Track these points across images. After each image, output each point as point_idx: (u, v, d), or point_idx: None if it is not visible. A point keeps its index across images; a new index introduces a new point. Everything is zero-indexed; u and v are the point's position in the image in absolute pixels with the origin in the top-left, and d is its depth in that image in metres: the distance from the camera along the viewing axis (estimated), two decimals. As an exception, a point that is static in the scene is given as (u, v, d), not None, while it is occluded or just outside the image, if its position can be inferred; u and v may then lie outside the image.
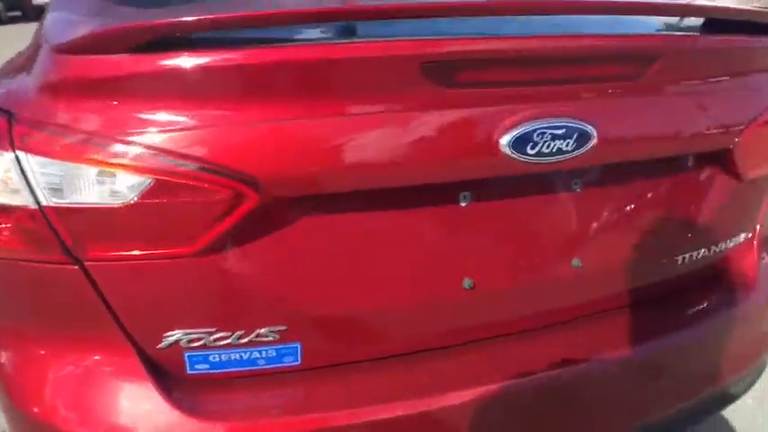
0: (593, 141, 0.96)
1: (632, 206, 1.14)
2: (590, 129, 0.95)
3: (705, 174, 1.19)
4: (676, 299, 1.24)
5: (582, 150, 0.96)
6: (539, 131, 0.92)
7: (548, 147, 0.93)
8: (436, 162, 0.92)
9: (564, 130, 0.94)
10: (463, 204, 1.00)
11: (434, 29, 0.93)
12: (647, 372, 1.17)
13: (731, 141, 1.13)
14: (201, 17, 0.79)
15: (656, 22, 1.15)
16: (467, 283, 1.01)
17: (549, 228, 1.07)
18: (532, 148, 0.93)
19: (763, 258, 1.35)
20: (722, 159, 1.17)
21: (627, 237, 1.14)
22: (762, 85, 1.19)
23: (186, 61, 0.80)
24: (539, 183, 1.03)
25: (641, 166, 1.11)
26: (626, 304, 1.18)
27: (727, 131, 1.12)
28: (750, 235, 1.32)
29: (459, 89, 0.90)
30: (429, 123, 0.90)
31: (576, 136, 0.95)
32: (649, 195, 1.15)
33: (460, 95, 0.90)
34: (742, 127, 1.13)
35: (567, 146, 0.94)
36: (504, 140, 0.91)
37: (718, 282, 1.30)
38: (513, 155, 0.92)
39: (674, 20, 1.16)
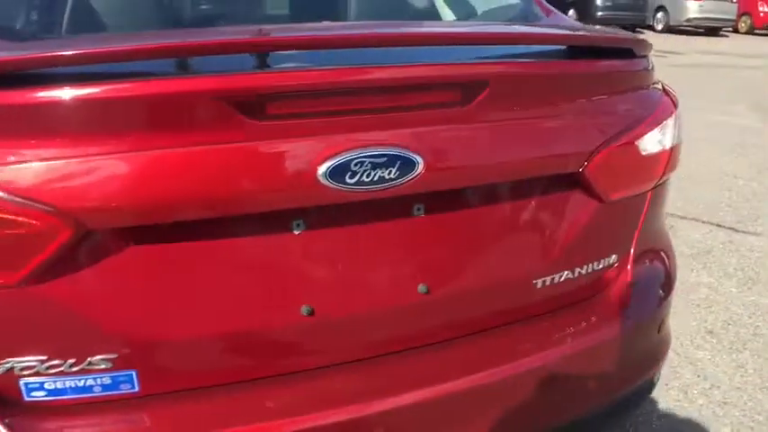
0: (420, 169, 0.98)
1: (485, 230, 1.15)
2: (414, 157, 0.98)
3: (562, 197, 1.20)
4: (540, 323, 1.25)
5: (409, 178, 0.98)
6: (356, 161, 0.95)
7: (368, 176, 0.96)
8: (255, 193, 0.94)
9: (385, 159, 0.96)
10: (297, 232, 1.02)
11: (251, 62, 0.96)
12: (507, 398, 1.18)
13: (579, 165, 1.15)
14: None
15: (486, 49, 1.17)
16: (305, 309, 1.03)
17: (391, 254, 1.09)
18: (351, 177, 0.95)
19: (638, 281, 1.36)
20: (577, 183, 1.18)
21: (479, 262, 1.15)
22: (614, 108, 1.21)
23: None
24: (375, 210, 1.05)
25: (490, 190, 1.13)
26: (483, 329, 1.19)
27: (572, 155, 1.14)
28: (621, 257, 1.33)
29: (273, 121, 0.92)
30: (244, 156, 0.92)
31: (398, 164, 0.97)
32: (503, 219, 1.17)
33: (275, 128, 0.93)
34: (591, 150, 1.15)
35: (390, 174, 0.97)
36: (321, 171, 0.94)
37: (587, 305, 1.31)
38: (331, 185, 0.94)
39: (507, 47, 1.18)
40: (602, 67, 1.18)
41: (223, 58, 0.94)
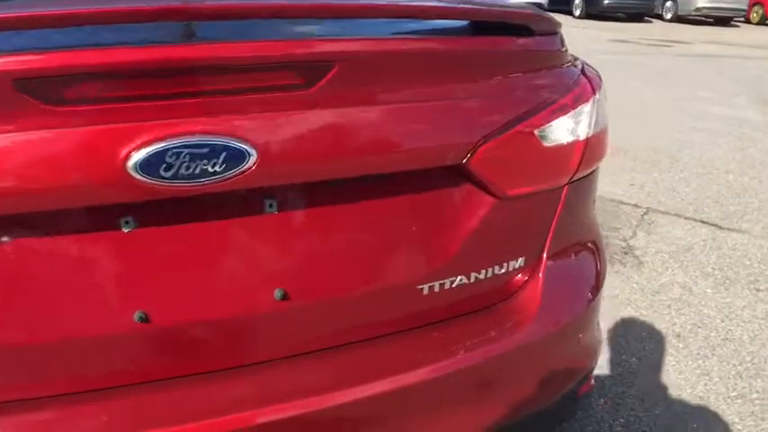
0: (253, 161, 0.85)
1: (354, 230, 1.02)
2: (243, 147, 0.85)
3: (448, 193, 1.07)
4: (431, 333, 1.11)
5: (239, 171, 0.85)
6: (171, 152, 0.82)
7: (187, 168, 0.83)
8: (61, 188, 0.82)
9: (206, 150, 0.83)
10: (126, 230, 0.89)
11: (46, 40, 0.83)
12: (388, 415, 1.05)
13: (460, 157, 1.01)
14: None
15: (340, 25, 1.03)
16: (137, 316, 0.91)
17: (240, 256, 0.96)
18: (167, 170, 0.82)
19: (553, 285, 1.22)
20: (465, 177, 1.04)
21: (348, 265, 1.02)
22: (508, 92, 1.07)
23: None
24: (219, 206, 0.92)
25: (356, 184, 0.99)
26: (359, 340, 1.06)
27: (450, 146, 1.00)
28: (531, 259, 1.19)
29: (72, 107, 0.80)
30: (41, 146, 0.80)
31: (224, 156, 0.84)
32: (376, 217, 1.03)
33: (74, 114, 0.80)
34: (476, 141, 1.01)
35: (214, 167, 0.84)
36: (131, 163, 0.81)
37: (490, 313, 1.17)
38: (145, 179, 0.82)
39: (374, 22, 1.04)
40: (490, 46, 1.03)
41: (12, 34, 0.82)
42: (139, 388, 0.94)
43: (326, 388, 0.98)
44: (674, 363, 2.22)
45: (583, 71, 1.23)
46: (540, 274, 1.21)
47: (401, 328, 1.09)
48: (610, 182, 3.94)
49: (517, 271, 1.18)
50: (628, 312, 2.53)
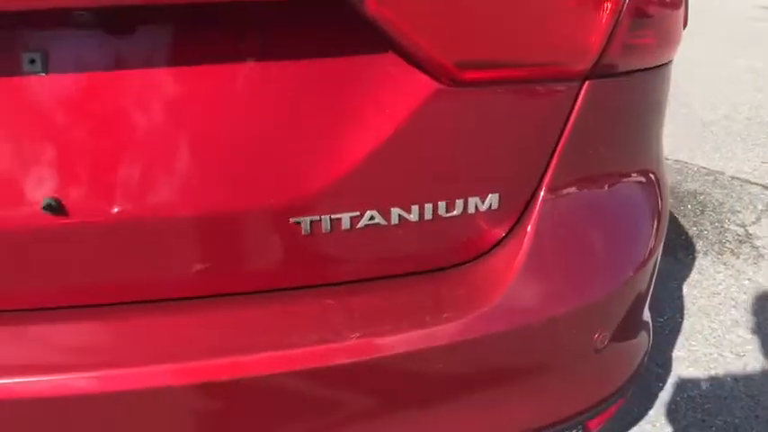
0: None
1: (180, 105, 0.62)
2: None
3: (346, 60, 0.63)
4: (311, 298, 0.69)
5: None
6: None
7: None
8: None
9: None
10: None
11: None
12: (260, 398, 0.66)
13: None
14: None
15: None
16: None
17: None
18: None
19: (547, 243, 0.74)
20: (364, 27, 0.60)
21: (171, 164, 0.62)
22: None
23: None
24: None
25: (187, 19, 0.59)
26: (184, 296, 0.67)
27: None
28: (508, 199, 0.72)
29: None
30: None
31: None
32: (218, 85, 0.62)
33: None
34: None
35: None
36: None
37: (446, 278, 0.72)
38: None
39: None
40: None
41: None
42: None
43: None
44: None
45: None
46: (529, 226, 0.74)
47: (260, 287, 0.68)
48: (736, 156, 3.18)
49: (483, 216, 0.72)
50: (730, 316, 1.92)
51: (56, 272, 0.66)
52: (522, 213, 0.74)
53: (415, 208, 0.68)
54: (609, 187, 0.80)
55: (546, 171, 0.73)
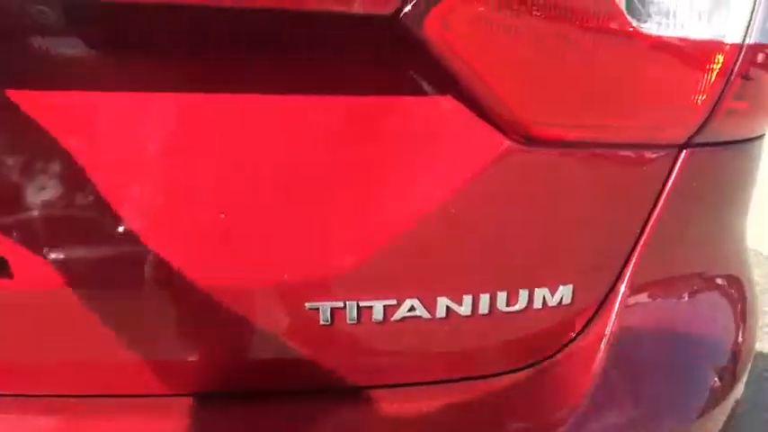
0: None
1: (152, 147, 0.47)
2: None
3: (380, 102, 0.49)
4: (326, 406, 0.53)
5: None
6: None
7: None
8: None
9: None
10: None
11: None
12: None
13: None
14: None
15: None
16: None
17: None
18: None
19: (621, 355, 0.58)
20: (416, 61, 0.47)
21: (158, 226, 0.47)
22: None
23: None
24: None
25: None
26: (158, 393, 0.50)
27: None
28: (585, 292, 0.57)
29: None
30: None
31: None
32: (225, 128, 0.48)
33: None
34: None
35: None
36: None
37: (463, 390, 0.56)
38: None
39: None
40: None
41: None
42: None
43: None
44: None
45: None
46: (606, 332, 0.58)
47: (259, 387, 0.51)
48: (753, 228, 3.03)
49: (550, 313, 0.56)
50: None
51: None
52: (596, 314, 0.58)
53: (467, 298, 0.52)
54: (696, 289, 0.65)
55: (629, 258, 0.58)
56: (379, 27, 0.43)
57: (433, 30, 0.43)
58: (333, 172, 0.48)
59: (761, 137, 0.70)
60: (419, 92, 0.48)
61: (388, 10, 0.41)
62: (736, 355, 0.68)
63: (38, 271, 0.47)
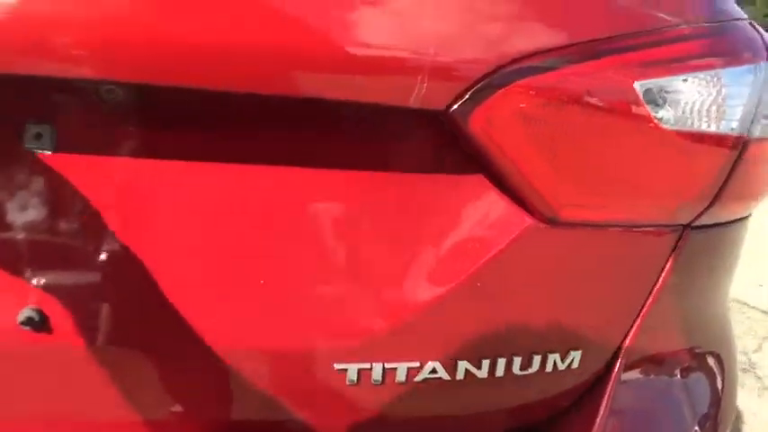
0: None
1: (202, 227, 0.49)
2: None
3: (418, 182, 0.52)
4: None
5: None
6: None
7: None
8: None
9: None
10: None
11: None
12: None
13: (444, 98, 0.46)
14: None
15: None
16: None
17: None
18: None
19: (632, 414, 0.62)
20: (456, 152, 0.50)
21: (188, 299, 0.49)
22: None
23: None
24: None
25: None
26: None
27: (413, 69, 0.45)
28: (590, 360, 0.60)
29: None
30: None
31: None
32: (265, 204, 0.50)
33: None
34: (482, 75, 0.46)
35: None
36: None
37: None
38: None
39: None
40: None
41: None
42: None
43: None
44: None
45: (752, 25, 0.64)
46: (605, 395, 0.61)
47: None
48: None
49: (559, 377, 0.59)
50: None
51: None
52: (600, 378, 0.62)
53: (486, 362, 0.55)
54: (686, 363, 0.69)
55: (632, 325, 0.62)
56: (430, 119, 0.46)
57: (476, 124, 0.46)
58: (369, 244, 0.51)
59: (749, 216, 0.75)
60: (454, 171, 0.51)
61: (440, 106, 0.44)
62: (720, 405, 0.73)
63: (72, 328, 0.48)
